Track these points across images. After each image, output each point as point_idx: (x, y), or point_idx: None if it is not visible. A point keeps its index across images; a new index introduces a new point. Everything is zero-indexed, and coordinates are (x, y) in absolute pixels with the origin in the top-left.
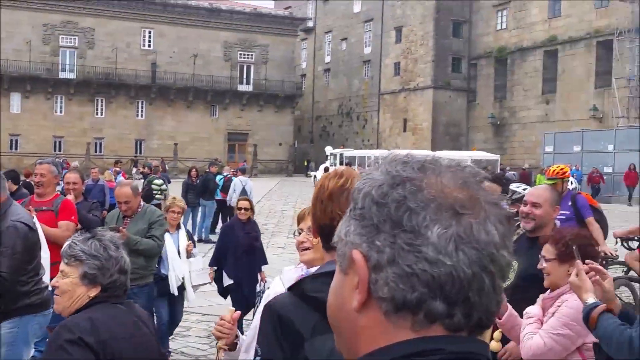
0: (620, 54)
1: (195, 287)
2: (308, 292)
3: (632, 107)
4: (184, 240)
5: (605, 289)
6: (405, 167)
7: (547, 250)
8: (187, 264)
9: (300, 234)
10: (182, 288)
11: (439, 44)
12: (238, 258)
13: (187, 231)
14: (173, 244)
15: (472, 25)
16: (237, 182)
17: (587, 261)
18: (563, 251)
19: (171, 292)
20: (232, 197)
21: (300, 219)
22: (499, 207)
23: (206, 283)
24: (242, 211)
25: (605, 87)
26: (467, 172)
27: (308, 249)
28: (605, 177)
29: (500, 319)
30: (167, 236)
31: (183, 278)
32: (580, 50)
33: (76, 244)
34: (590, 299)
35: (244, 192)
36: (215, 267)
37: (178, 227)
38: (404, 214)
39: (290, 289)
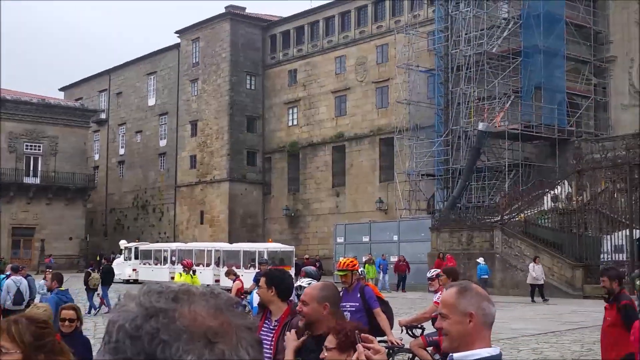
0: (400, 150)
1: None
2: None
3: (413, 199)
4: None
5: None
6: (159, 298)
7: (329, 341)
8: None
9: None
10: None
11: (234, 138)
12: None
13: None
14: None
15: (266, 121)
16: (10, 283)
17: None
18: (343, 341)
19: None
20: (7, 300)
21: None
22: (251, 331)
23: None
24: (67, 323)
25: (388, 180)
26: (220, 299)
27: None
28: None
29: None
30: None
31: None
32: (365, 146)
33: None
34: None
35: (19, 293)
36: None
37: None
38: (158, 347)
39: None
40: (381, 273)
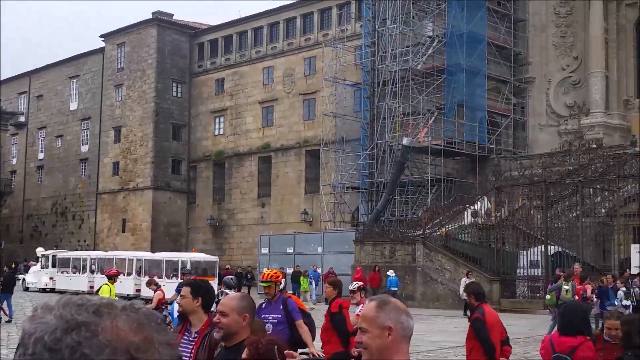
0: (326, 162)
1: None
2: None
3: (338, 212)
4: None
5: None
6: (80, 310)
7: (246, 354)
8: None
9: None
10: None
11: (158, 146)
12: None
13: None
14: None
15: (192, 129)
16: None
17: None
18: (257, 357)
19: None
20: None
21: None
22: (171, 347)
23: None
24: None
25: (314, 192)
26: (141, 314)
27: None
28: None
29: None
30: None
31: None
32: (292, 157)
33: None
34: None
35: None
36: None
37: None
38: None
39: None
40: (313, 284)
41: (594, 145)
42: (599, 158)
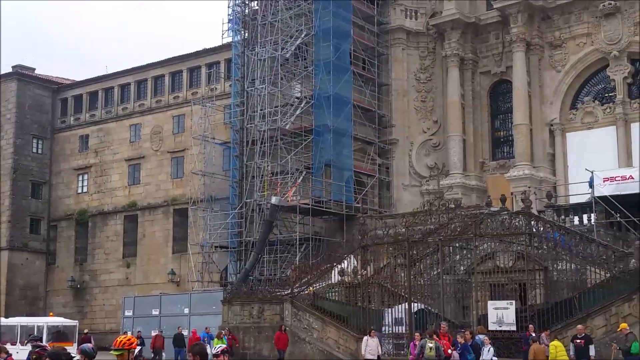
0: (194, 221)
1: None
2: None
3: (206, 271)
4: None
5: None
6: None
7: None
8: None
9: None
10: None
11: (16, 204)
12: None
13: None
14: None
15: (53, 187)
16: None
17: None
18: None
19: None
20: None
21: None
22: None
23: None
24: None
25: (182, 252)
26: None
27: None
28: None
29: None
30: None
31: None
32: (159, 216)
33: None
34: None
35: None
36: None
37: None
38: None
39: None
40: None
41: (453, 205)
42: (458, 218)
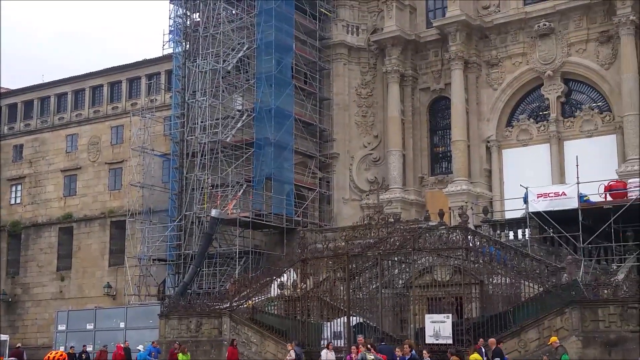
0: (132, 234)
1: None
2: None
3: (143, 285)
4: None
5: None
6: None
7: None
8: None
9: None
10: None
11: None
12: None
13: None
14: None
15: None
16: None
17: None
18: None
19: None
20: None
21: None
22: None
23: None
24: None
25: (119, 265)
26: None
27: None
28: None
29: None
30: None
31: None
32: (96, 228)
33: None
34: None
35: None
36: None
37: None
38: None
39: None
40: None
41: (392, 220)
42: (397, 232)
